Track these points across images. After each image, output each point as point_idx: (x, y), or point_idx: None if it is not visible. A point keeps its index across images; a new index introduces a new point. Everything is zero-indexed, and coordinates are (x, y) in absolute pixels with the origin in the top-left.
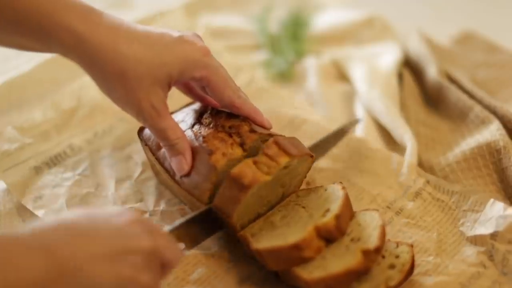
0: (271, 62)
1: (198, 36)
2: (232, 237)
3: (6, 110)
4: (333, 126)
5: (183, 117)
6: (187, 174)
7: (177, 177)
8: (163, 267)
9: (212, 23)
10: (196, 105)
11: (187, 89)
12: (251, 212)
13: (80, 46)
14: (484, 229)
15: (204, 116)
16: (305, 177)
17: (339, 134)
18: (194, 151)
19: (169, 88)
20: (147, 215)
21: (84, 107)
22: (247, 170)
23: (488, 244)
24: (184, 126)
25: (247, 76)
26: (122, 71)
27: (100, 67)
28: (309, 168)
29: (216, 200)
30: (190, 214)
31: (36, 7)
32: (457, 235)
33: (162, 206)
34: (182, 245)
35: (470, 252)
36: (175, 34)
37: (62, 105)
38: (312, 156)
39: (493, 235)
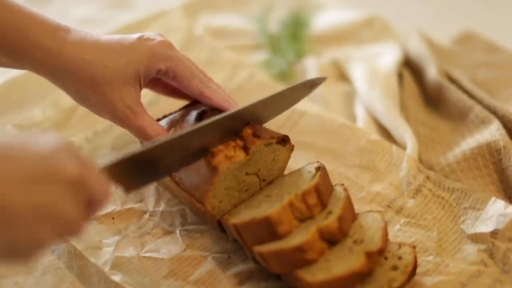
0: (271, 62)
1: (159, 34)
2: (233, 239)
3: (6, 109)
4: (334, 119)
5: (183, 117)
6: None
7: (177, 178)
8: (90, 204)
9: (212, 23)
10: (196, 106)
11: (163, 88)
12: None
13: (50, 61)
14: (485, 227)
15: (205, 117)
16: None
17: (307, 87)
18: None
19: (140, 86)
20: (147, 216)
21: None
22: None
23: (488, 242)
24: (185, 126)
25: (247, 71)
26: (91, 77)
27: (71, 77)
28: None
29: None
30: (130, 152)
31: (6, 25)
32: (458, 233)
33: (162, 206)
34: (119, 186)
35: (471, 250)
36: (135, 35)
37: (61, 104)
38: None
39: (494, 233)
